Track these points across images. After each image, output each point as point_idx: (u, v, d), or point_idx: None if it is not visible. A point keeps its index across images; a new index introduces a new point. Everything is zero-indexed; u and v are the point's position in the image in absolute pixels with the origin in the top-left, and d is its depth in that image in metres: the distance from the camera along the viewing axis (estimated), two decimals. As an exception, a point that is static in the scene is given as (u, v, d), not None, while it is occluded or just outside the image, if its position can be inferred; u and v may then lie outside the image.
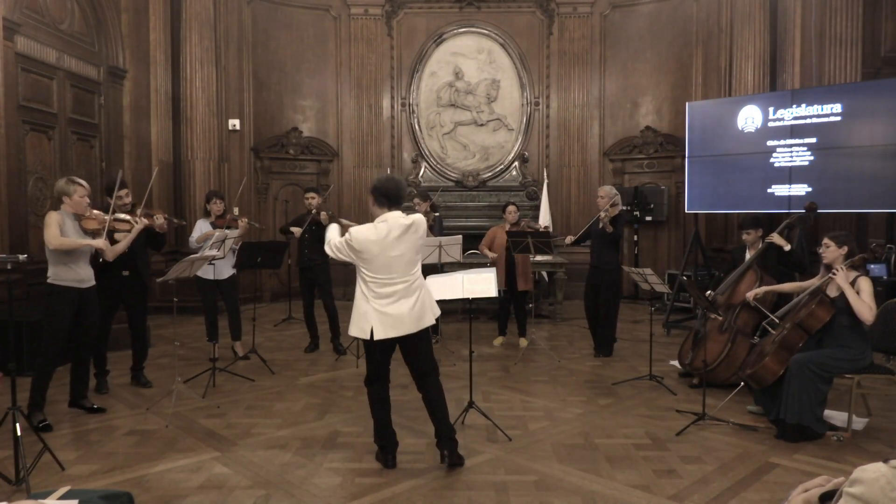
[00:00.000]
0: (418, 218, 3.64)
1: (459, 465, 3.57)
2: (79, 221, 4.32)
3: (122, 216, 4.69)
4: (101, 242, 4.31)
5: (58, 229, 4.18)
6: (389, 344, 3.58)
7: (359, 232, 3.50)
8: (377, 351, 3.58)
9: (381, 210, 3.59)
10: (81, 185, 4.32)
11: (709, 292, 5.13)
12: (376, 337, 3.48)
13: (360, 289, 3.56)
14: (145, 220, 4.74)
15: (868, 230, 7.66)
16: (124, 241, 4.60)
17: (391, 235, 3.48)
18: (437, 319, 3.73)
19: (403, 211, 3.63)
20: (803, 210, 5.72)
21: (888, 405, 4.72)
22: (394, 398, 4.84)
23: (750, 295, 4.57)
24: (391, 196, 3.59)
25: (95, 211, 4.44)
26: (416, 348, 3.63)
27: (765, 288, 4.64)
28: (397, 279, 3.51)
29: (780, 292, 4.76)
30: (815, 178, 6.84)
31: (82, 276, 4.35)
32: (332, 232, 3.68)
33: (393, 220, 3.52)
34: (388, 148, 10.63)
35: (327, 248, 3.61)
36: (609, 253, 6.20)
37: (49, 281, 4.27)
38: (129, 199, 5.01)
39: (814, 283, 4.34)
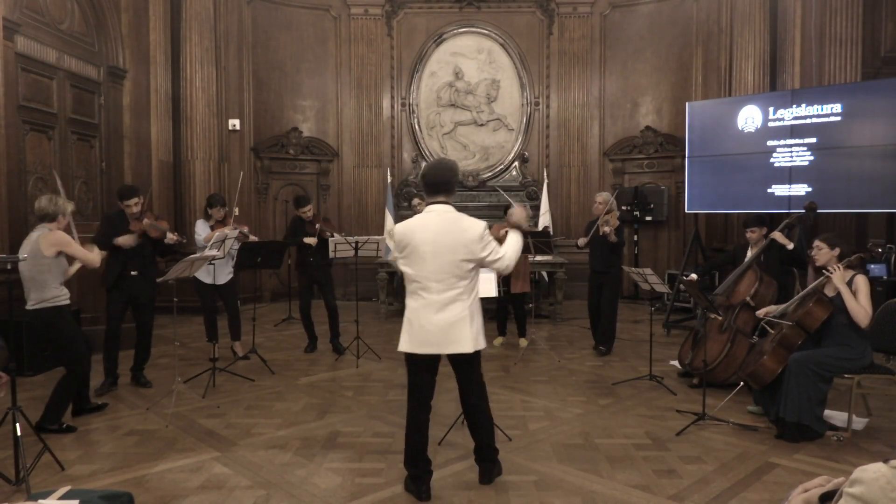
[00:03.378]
0: (472, 221, 3.20)
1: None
2: None
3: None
4: (86, 255, 4.26)
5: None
6: (423, 360, 3.21)
7: (401, 223, 3.29)
8: (410, 363, 3.28)
9: (428, 200, 3.30)
10: (70, 202, 4.28)
11: (684, 274, 5.08)
12: (400, 348, 3.22)
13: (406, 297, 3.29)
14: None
15: (868, 230, 7.66)
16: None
17: (429, 225, 3.14)
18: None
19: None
20: (803, 210, 5.72)
21: (888, 405, 4.72)
22: (394, 397, 4.88)
23: (761, 313, 4.53)
24: (429, 182, 3.24)
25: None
26: (460, 373, 3.33)
27: (772, 309, 4.53)
28: (432, 283, 3.11)
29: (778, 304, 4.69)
30: (815, 178, 6.84)
31: (66, 290, 4.26)
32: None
33: (434, 211, 3.20)
34: (388, 148, 10.63)
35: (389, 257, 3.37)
36: (612, 257, 6.29)
37: (53, 304, 4.09)
38: (137, 209, 5.03)
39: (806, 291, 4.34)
